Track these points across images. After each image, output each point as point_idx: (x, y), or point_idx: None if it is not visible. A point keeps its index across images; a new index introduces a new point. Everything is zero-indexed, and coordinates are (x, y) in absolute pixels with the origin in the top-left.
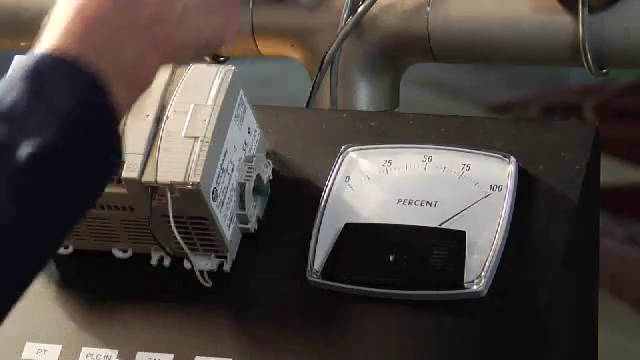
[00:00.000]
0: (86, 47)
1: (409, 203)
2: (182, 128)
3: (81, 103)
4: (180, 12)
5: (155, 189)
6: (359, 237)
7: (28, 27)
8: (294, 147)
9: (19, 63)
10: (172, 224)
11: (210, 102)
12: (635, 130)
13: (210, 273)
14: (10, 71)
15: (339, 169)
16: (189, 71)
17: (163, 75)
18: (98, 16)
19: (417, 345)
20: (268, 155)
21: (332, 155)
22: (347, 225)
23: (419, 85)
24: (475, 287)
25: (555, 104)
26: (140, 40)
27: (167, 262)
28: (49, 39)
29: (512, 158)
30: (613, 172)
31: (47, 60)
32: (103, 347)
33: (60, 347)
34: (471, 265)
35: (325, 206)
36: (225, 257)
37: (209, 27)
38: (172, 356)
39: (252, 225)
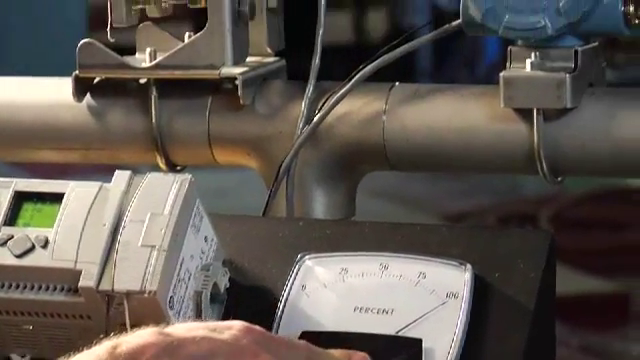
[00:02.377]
0: None
1: (366, 311)
2: (139, 237)
3: None
4: None
5: (112, 298)
6: (316, 345)
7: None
8: (251, 255)
9: None
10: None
11: (167, 211)
12: (590, 240)
13: None
14: None
15: (295, 277)
16: (146, 180)
17: (120, 183)
18: None
19: None
20: (225, 263)
21: (288, 263)
22: (304, 333)
23: (375, 195)
24: None
25: (511, 213)
26: None
27: None
28: None
29: (468, 266)
30: (569, 282)
31: None
32: None
33: None
34: None
35: (282, 315)
36: None
37: None
38: None
39: None
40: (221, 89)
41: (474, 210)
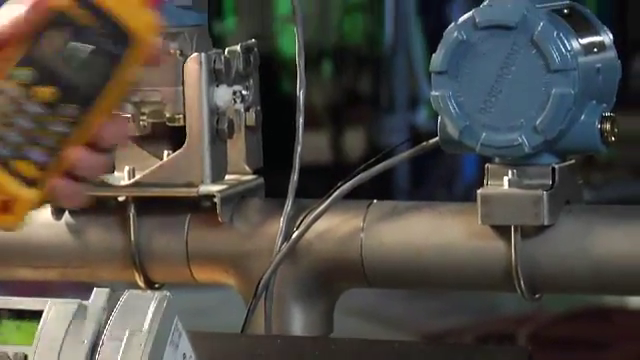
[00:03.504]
0: None
1: None
2: (117, 354)
3: None
4: None
5: None
6: None
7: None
8: None
9: None
10: None
11: (145, 328)
12: (569, 359)
13: None
14: None
15: None
16: (124, 297)
17: (99, 300)
18: None
19: None
20: None
21: None
22: None
23: (353, 314)
24: None
25: (489, 332)
26: None
27: None
28: None
29: None
30: None
31: None
32: None
33: None
34: None
35: None
36: None
37: None
38: None
39: None
40: (199, 207)
41: (452, 329)
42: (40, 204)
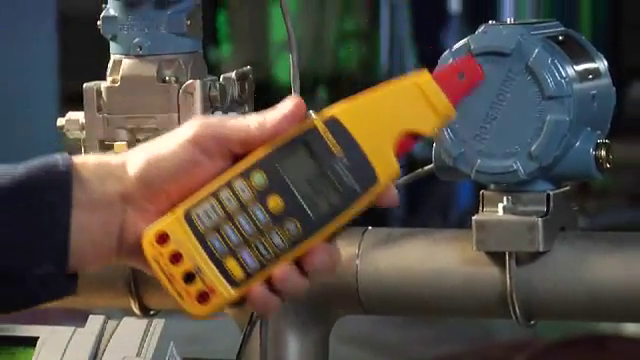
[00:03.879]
0: None
1: None
2: None
3: None
4: None
5: None
6: None
7: None
8: None
9: None
10: None
11: (141, 355)
12: None
13: None
14: None
15: None
16: (120, 324)
17: (94, 328)
18: None
19: None
20: None
21: None
22: None
23: (348, 341)
24: None
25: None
26: None
27: None
28: None
29: None
30: None
31: None
32: None
33: None
34: None
35: None
36: None
37: None
38: None
39: None
40: None
41: (447, 356)
42: (234, 304)
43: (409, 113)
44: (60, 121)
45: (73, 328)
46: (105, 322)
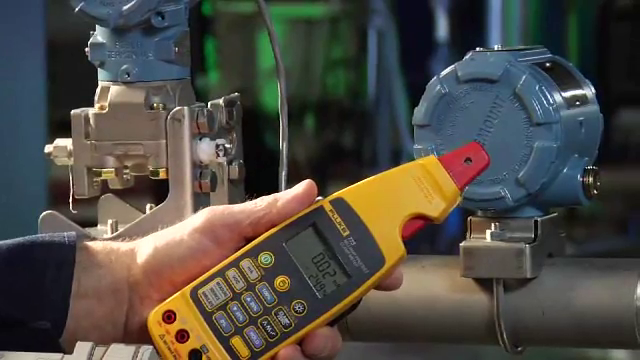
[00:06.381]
0: None
1: None
2: None
3: None
4: None
5: None
6: None
7: None
8: None
9: None
10: None
11: None
12: None
13: None
14: None
15: None
16: (108, 351)
17: (82, 354)
18: None
19: None
20: None
21: None
22: None
23: None
24: None
25: None
26: None
27: None
28: None
29: None
30: None
31: None
32: None
33: None
34: None
35: None
36: None
37: None
38: None
39: None
40: None
41: None
42: None
43: (416, 196)
44: (48, 148)
45: (61, 355)
46: (93, 348)
